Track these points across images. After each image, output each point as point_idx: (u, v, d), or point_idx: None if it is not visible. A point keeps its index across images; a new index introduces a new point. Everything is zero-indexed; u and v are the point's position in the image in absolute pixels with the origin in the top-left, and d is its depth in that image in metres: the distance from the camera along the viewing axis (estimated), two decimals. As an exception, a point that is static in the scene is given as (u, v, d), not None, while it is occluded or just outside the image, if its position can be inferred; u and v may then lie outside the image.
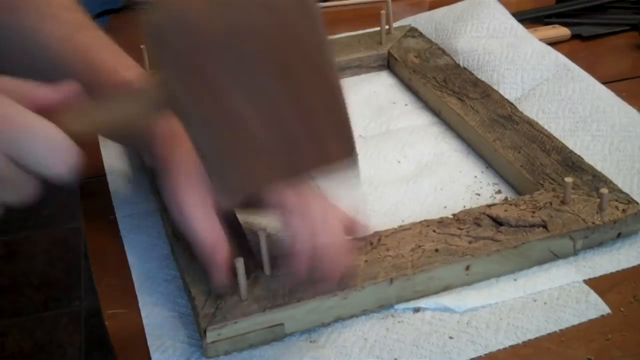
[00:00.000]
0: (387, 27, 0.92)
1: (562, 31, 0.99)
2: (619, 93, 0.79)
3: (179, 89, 0.42)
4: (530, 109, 0.77)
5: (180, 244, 0.61)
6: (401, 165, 0.74)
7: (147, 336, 0.57)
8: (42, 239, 2.03)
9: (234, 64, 0.41)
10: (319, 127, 0.43)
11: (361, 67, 0.90)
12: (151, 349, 0.55)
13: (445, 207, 0.67)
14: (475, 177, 0.71)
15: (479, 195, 0.69)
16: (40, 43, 0.64)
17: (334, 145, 0.44)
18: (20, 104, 0.44)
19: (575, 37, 0.99)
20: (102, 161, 0.77)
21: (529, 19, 1.05)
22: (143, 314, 0.59)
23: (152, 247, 0.65)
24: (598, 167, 0.68)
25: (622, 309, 0.57)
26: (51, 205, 2.14)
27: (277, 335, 0.55)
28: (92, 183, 0.75)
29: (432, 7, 1.07)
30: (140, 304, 0.60)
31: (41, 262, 1.94)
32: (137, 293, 0.61)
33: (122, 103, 0.46)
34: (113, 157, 0.78)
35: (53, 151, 0.44)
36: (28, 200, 0.45)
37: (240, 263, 0.54)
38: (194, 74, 0.41)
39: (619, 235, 0.62)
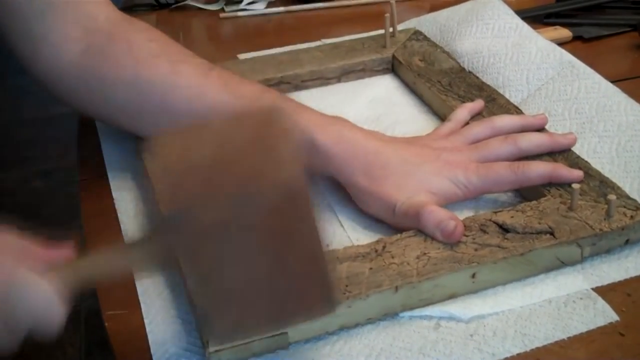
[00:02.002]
0: (391, 29, 0.92)
1: (563, 33, 0.99)
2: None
3: (181, 254, 0.46)
4: (536, 111, 0.76)
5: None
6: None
7: (150, 343, 0.56)
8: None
9: (230, 246, 0.45)
10: (305, 297, 0.48)
11: (365, 71, 0.90)
12: (154, 357, 0.55)
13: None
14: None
15: (484, 201, 0.68)
16: (180, 84, 0.69)
17: (317, 305, 0.49)
18: (20, 259, 0.47)
19: (576, 37, 0.99)
20: (102, 161, 0.77)
21: (529, 18, 1.05)
22: (146, 321, 0.58)
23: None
24: (606, 171, 0.67)
25: (623, 309, 0.56)
26: (51, 205, 2.13)
27: (280, 344, 0.54)
28: (92, 183, 0.75)
29: (433, 7, 1.07)
30: (143, 311, 0.59)
31: None
32: (140, 299, 0.60)
33: (114, 260, 0.49)
34: (115, 158, 0.77)
35: (45, 310, 0.46)
36: (6, 352, 0.47)
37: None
38: (196, 249, 0.46)
39: (627, 242, 0.61)
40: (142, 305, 0.60)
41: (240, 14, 1.13)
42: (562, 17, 1.05)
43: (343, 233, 0.65)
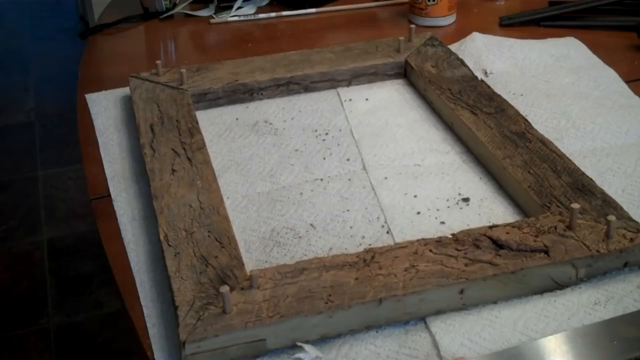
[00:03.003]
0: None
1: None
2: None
3: None
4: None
5: (170, 249, 0.60)
6: (404, 177, 0.72)
7: (150, 340, 0.56)
8: (3, 254, 1.91)
9: None
10: None
11: (377, 75, 0.88)
12: (155, 356, 0.55)
13: (444, 222, 0.66)
14: (482, 195, 0.69)
15: (480, 214, 0.66)
16: None
17: None
18: None
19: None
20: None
21: (525, 22, 1.05)
22: (147, 320, 0.58)
23: (155, 251, 0.64)
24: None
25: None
26: (10, 219, 2.03)
27: (259, 350, 0.53)
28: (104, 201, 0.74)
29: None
30: (143, 308, 0.59)
31: (4, 279, 1.83)
32: (140, 296, 0.60)
33: None
34: (115, 158, 0.77)
35: None
36: None
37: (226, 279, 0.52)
38: None
39: (625, 265, 0.59)
40: (143, 303, 0.59)
41: (230, 19, 1.12)
42: (558, 19, 1.04)
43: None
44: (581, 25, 1.03)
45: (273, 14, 1.13)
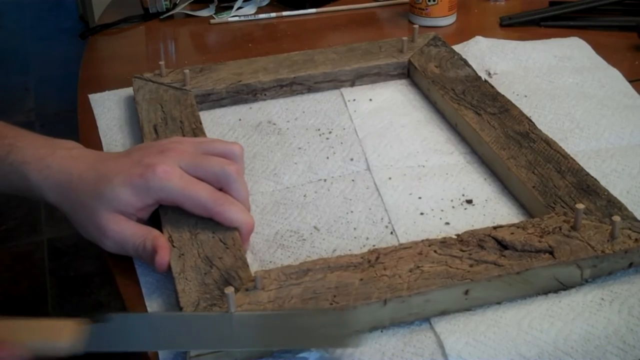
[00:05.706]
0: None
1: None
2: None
3: None
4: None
5: (175, 250, 0.60)
6: (408, 178, 0.71)
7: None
8: (3, 254, 1.93)
9: None
10: None
11: (380, 75, 0.88)
12: (160, 356, 0.54)
13: (448, 222, 0.65)
14: (486, 195, 0.69)
15: (484, 215, 0.66)
16: None
17: None
18: None
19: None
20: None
21: (526, 22, 1.05)
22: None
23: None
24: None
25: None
26: (10, 219, 2.05)
27: (264, 352, 0.53)
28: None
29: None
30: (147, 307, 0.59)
31: (4, 279, 1.84)
32: (145, 297, 0.60)
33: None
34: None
35: None
36: None
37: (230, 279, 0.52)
38: None
39: (630, 265, 0.59)
40: (147, 304, 0.59)
41: (230, 19, 1.12)
42: (558, 19, 1.04)
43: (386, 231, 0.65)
44: (582, 25, 1.03)
45: (273, 14, 1.13)
